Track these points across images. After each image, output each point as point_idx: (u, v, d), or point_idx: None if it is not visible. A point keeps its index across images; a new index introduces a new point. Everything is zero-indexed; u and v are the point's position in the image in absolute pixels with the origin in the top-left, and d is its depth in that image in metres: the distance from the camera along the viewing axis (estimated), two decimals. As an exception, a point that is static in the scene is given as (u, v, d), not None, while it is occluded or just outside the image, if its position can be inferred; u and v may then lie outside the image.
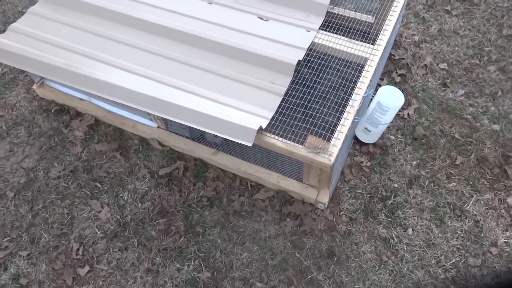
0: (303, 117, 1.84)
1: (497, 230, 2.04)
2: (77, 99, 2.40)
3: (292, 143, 1.73)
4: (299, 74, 1.94)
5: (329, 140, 1.72)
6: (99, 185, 2.22)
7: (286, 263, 1.98)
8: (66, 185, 2.23)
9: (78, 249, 2.05)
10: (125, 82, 1.89)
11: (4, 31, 2.17)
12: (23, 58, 2.02)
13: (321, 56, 1.98)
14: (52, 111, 2.47)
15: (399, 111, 2.37)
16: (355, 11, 2.16)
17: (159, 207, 2.15)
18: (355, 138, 2.27)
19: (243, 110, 1.79)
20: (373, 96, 1.99)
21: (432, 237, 2.03)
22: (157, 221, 2.11)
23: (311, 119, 1.82)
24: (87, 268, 1.99)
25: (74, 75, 1.95)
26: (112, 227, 2.10)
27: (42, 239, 2.08)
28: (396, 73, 2.56)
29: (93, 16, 2.12)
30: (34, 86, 2.46)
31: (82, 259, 2.03)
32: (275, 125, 1.79)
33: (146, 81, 1.91)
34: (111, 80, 1.89)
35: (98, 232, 2.09)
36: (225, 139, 2.01)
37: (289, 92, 1.87)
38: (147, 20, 2.04)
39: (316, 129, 1.78)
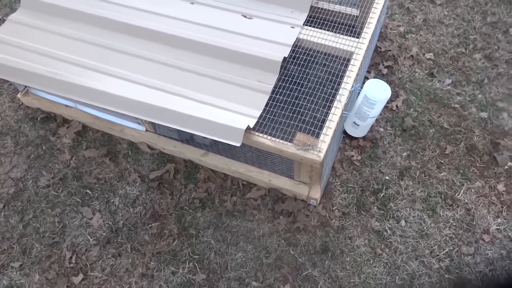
0: (291, 114, 1.83)
1: (488, 217, 2.06)
2: (63, 106, 2.37)
3: (281, 141, 1.72)
4: (286, 71, 1.94)
5: (317, 136, 1.71)
6: (90, 192, 2.20)
7: (281, 261, 1.98)
8: (56, 193, 2.21)
9: (71, 257, 2.03)
10: (110, 88, 1.86)
11: (-16, 40, 2.13)
12: (4, 67, 1.99)
13: (307, 52, 1.97)
14: (39, 119, 2.44)
15: (387, 103, 2.38)
16: (340, 4, 2.15)
17: (151, 211, 2.13)
18: (345, 132, 2.27)
19: (230, 110, 1.78)
20: (360, 90, 1.98)
21: (424, 227, 2.04)
22: (150, 225, 2.10)
23: (299, 116, 1.82)
24: (81, 276, 1.98)
25: (58, 83, 1.92)
26: (104, 234, 2.09)
27: (34, 249, 2.06)
28: (383, 65, 2.56)
29: (74, 21, 2.09)
30: (19, 95, 2.42)
31: (76, 267, 2.01)
32: (263, 124, 1.78)
33: (132, 85, 1.89)
34: (96, 86, 1.87)
35: (91, 239, 2.07)
36: (213, 140, 2.00)
37: (276, 89, 1.86)
38: (129, 23, 2.01)
39: (304, 125, 1.78)
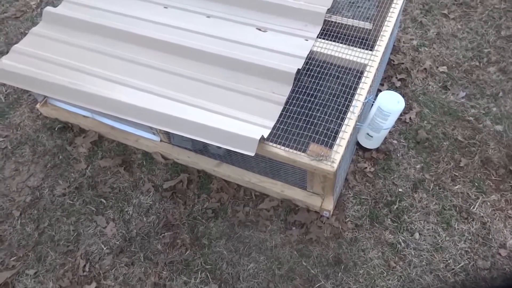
0: (304, 125, 1.84)
1: (505, 231, 2.02)
2: (80, 116, 2.42)
3: (294, 151, 1.73)
4: (299, 83, 1.96)
5: (331, 147, 1.72)
6: (104, 201, 2.23)
7: (293, 272, 1.97)
8: (71, 202, 2.24)
9: (84, 265, 2.05)
10: (127, 98, 1.90)
11: (7, 52, 2.20)
12: (26, 78, 2.05)
13: (321, 64, 1.99)
14: (56, 129, 2.49)
15: (401, 115, 2.37)
16: (353, 18, 2.18)
17: (164, 221, 2.15)
18: (358, 144, 2.27)
19: (244, 120, 1.80)
20: (373, 102, 1.99)
21: (439, 240, 2.01)
22: (163, 234, 2.11)
23: (312, 127, 1.83)
24: (94, 284, 1.99)
25: (77, 93, 1.97)
26: (118, 243, 2.10)
27: (49, 257, 2.09)
28: (396, 78, 2.56)
29: (93, 34, 2.15)
30: (38, 105, 2.48)
31: (89, 276, 2.02)
32: (277, 134, 1.80)
33: (149, 95, 1.93)
34: (114, 96, 1.92)
35: (104, 248, 2.09)
36: (227, 150, 2.02)
37: (290, 100, 1.88)
38: (147, 36, 2.07)
39: (318, 136, 1.79)
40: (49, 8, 2.25)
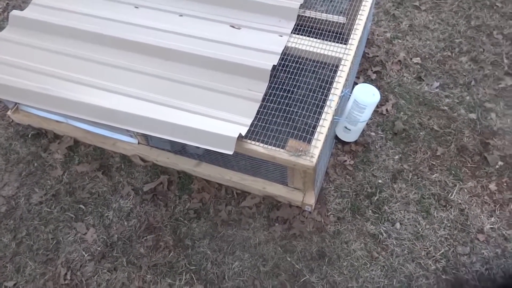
0: (282, 121, 1.84)
1: (482, 216, 2.07)
2: (54, 121, 2.36)
3: (273, 148, 1.73)
4: (276, 79, 1.95)
5: (309, 142, 1.73)
6: (83, 207, 2.18)
7: (278, 268, 1.97)
8: (49, 209, 2.19)
9: (66, 274, 2.00)
10: (101, 101, 1.87)
11: (-27, 58, 2.13)
12: (-6, 84, 1.98)
13: (296, 59, 1.99)
14: (29, 136, 2.42)
15: (377, 107, 2.40)
16: (326, 13, 2.19)
17: (146, 224, 2.12)
18: (336, 137, 2.29)
19: (221, 119, 1.79)
20: (350, 95, 2.01)
21: (420, 229, 2.04)
22: (145, 237, 2.08)
23: (290, 123, 1.83)
24: (76, 292, 1.95)
25: (48, 98, 1.92)
26: (99, 248, 2.06)
27: (28, 267, 2.03)
28: (372, 70, 2.59)
29: (62, 37, 2.10)
30: (9, 112, 2.41)
31: (71, 284, 1.98)
32: (255, 131, 1.79)
33: (122, 98, 1.89)
34: (87, 100, 1.87)
35: (85, 255, 2.05)
36: (206, 150, 2.00)
37: (267, 97, 1.88)
38: (118, 37, 2.03)
39: (296, 132, 1.79)
40: (15, 12, 2.18)
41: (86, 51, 2.05)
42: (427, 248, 1.99)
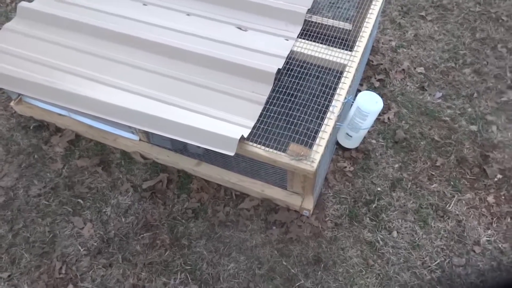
0: (284, 125, 1.84)
1: (479, 228, 2.08)
2: (56, 114, 2.36)
3: (275, 151, 1.73)
4: (280, 83, 1.96)
5: (311, 146, 1.73)
6: (81, 201, 2.18)
7: (273, 272, 1.97)
8: (47, 202, 2.19)
9: (61, 267, 2.00)
10: (105, 96, 1.87)
11: (-22, 48, 2.13)
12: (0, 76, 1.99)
13: (301, 64, 2.00)
14: (31, 128, 2.42)
15: (379, 115, 2.41)
16: (333, 19, 2.19)
17: (143, 221, 2.12)
18: (338, 144, 2.30)
19: (224, 120, 1.79)
20: (353, 102, 2.01)
21: (416, 238, 2.05)
22: (142, 235, 2.08)
23: (292, 127, 1.83)
24: (70, 287, 1.95)
25: (53, 91, 1.92)
26: (95, 244, 2.06)
27: (23, 259, 2.03)
28: (375, 78, 2.60)
29: (69, 30, 2.10)
30: (12, 103, 2.41)
31: (66, 278, 1.98)
32: (257, 134, 1.79)
33: (126, 94, 1.89)
34: (91, 95, 1.88)
35: (81, 249, 2.05)
36: (207, 150, 2.00)
37: (270, 100, 1.88)
38: (125, 33, 2.03)
39: (298, 136, 1.79)
40: (23, 3, 2.18)
41: (92, 46, 2.05)
42: (423, 258, 2.00)
